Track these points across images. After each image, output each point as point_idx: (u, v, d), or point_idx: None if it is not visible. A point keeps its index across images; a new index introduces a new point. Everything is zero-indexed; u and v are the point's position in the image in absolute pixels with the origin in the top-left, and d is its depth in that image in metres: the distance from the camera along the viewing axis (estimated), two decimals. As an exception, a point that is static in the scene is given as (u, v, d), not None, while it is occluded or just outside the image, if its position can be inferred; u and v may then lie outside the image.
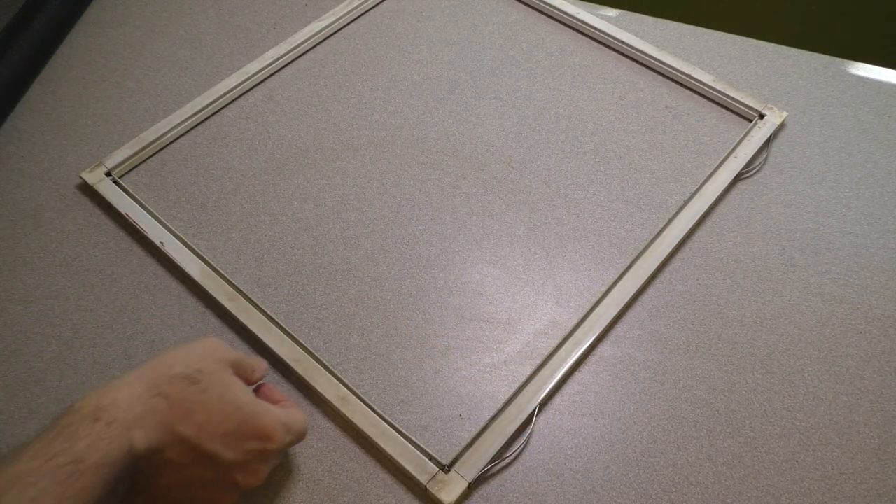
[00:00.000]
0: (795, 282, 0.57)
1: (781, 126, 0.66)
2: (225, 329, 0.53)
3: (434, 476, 0.46)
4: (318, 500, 0.46)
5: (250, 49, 0.71)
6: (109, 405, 0.37)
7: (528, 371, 0.51)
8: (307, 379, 0.50)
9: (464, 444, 0.47)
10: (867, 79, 0.70)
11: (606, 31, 0.72)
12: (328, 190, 0.61)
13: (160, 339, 0.53)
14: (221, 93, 0.66)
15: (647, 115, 0.67)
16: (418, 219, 0.60)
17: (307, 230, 0.59)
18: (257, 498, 0.46)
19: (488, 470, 0.47)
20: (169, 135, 0.64)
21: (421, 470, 0.46)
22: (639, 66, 0.71)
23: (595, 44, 0.73)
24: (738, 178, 0.62)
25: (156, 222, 0.57)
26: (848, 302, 0.56)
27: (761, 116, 0.65)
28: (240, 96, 0.68)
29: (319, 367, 0.50)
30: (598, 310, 0.54)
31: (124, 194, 0.59)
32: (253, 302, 0.53)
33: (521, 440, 0.48)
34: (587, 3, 0.75)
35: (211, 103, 0.66)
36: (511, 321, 0.54)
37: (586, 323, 0.53)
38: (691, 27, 0.74)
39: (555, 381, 0.50)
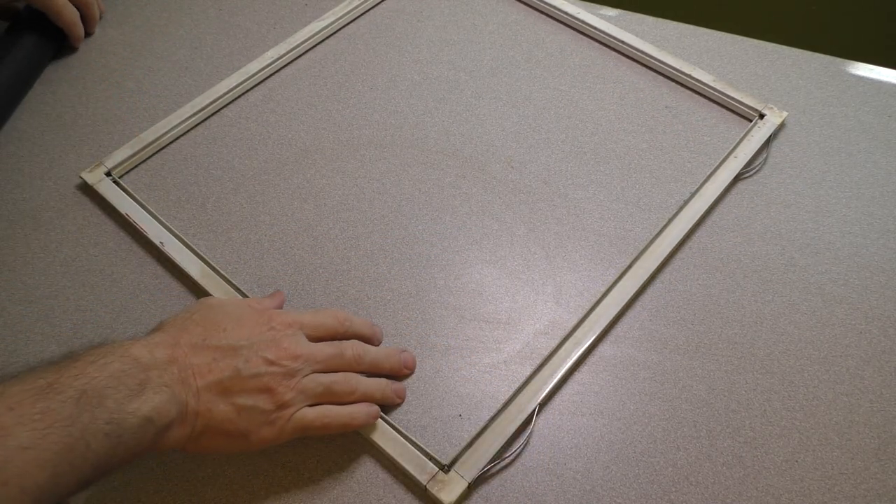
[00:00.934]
0: (795, 282, 0.57)
1: (781, 126, 0.66)
2: (225, 329, 0.53)
3: (434, 476, 0.46)
4: (318, 500, 0.46)
5: (250, 49, 0.71)
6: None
7: (528, 371, 0.51)
8: (307, 379, 0.50)
9: (464, 444, 0.47)
10: (867, 79, 0.70)
11: (606, 31, 0.72)
12: (328, 190, 0.61)
13: (160, 339, 0.53)
14: (221, 93, 0.66)
15: (647, 115, 0.67)
16: (418, 219, 0.60)
17: (307, 230, 0.59)
18: (258, 498, 0.46)
19: (488, 470, 0.47)
20: (169, 135, 0.64)
21: (421, 470, 0.46)
22: (639, 66, 0.71)
23: (595, 44, 0.73)
24: (738, 178, 0.62)
25: (156, 222, 0.57)
26: (848, 302, 0.56)
27: (761, 116, 0.65)
28: (240, 96, 0.68)
29: (319, 367, 0.50)
30: (597, 310, 0.54)
31: (124, 194, 0.59)
32: (253, 302, 0.53)
33: (521, 440, 0.48)
34: (587, 3, 0.75)
35: (211, 103, 0.66)
36: (511, 321, 0.54)
37: (586, 323, 0.53)
38: (691, 27, 0.74)
39: (555, 381, 0.50)
